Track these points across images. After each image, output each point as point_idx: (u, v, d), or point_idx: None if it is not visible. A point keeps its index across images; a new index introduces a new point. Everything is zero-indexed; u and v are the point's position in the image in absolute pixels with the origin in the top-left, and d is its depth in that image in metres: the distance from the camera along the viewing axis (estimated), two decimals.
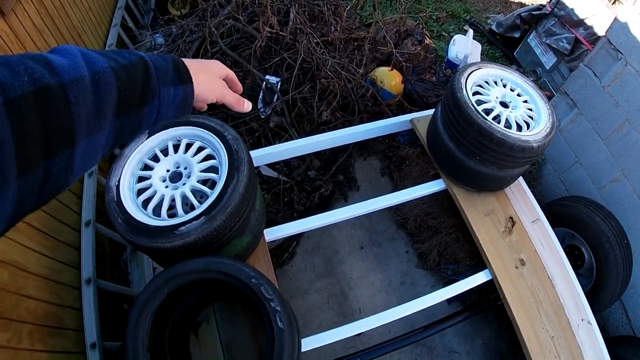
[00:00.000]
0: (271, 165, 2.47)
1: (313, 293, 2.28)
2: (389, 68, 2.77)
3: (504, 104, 1.78)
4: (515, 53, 3.63)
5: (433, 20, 3.91)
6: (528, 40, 3.49)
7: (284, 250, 2.36)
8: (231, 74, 0.74)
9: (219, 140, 1.34)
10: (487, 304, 1.96)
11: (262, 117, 2.61)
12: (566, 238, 2.16)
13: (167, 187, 1.31)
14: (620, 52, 1.98)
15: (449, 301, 2.26)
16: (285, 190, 2.41)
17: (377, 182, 2.64)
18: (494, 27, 3.82)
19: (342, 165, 2.58)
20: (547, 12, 3.25)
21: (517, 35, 3.63)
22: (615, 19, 1.99)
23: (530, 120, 1.73)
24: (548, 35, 3.27)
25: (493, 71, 1.86)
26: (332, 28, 2.68)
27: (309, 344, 1.54)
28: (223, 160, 1.31)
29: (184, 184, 1.31)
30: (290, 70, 2.57)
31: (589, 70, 2.19)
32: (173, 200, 1.28)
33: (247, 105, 0.77)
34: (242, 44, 2.69)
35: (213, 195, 1.24)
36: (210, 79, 0.67)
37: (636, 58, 1.92)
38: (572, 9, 3.01)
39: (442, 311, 2.18)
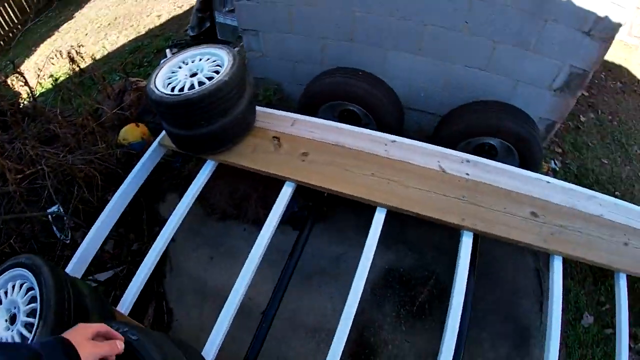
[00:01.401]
0: None
1: None
2: (132, 125, 2.78)
3: (195, 74, 1.94)
4: (219, 37, 3.98)
5: (135, 65, 4.07)
6: (217, 21, 3.86)
7: None
8: (98, 328, 0.85)
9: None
10: (317, 204, 2.06)
11: (68, 242, 2.38)
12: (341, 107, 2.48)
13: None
14: None
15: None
16: None
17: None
18: (191, 34, 4.13)
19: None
20: None
21: (208, 24, 3.98)
22: None
23: (219, 68, 1.91)
24: (224, 5, 3.68)
25: (174, 60, 2.04)
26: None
27: None
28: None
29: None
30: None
31: None
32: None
33: (120, 345, 0.87)
34: None
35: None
36: (86, 348, 0.77)
37: None
38: None
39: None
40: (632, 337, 2.11)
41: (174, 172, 2.54)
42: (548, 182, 1.97)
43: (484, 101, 2.31)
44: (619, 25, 1.96)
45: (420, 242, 2.20)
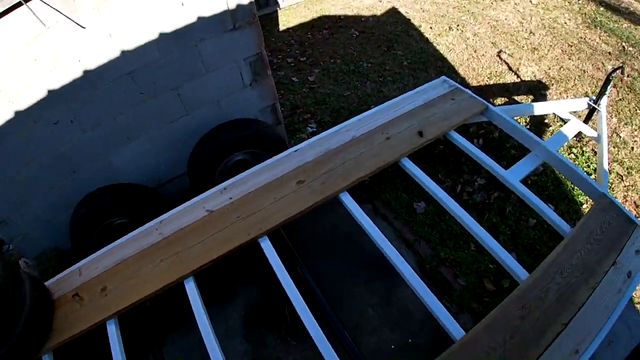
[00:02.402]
0: None
1: None
2: None
3: None
4: None
5: None
6: None
7: None
8: None
9: None
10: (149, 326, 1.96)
11: None
12: None
13: None
14: None
15: None
16: None
17: None
18: None
19: None
20: None
21: None
22: None
23: None
24: None
25: None
26: None
27: None
28: None
29: None
30: None
31: None
32: None
33: None
34: None
35: None
36: None
37: None
38: None
39: None
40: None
41: None
42: (296, 150, 2.26)
43: (209, 131, 2.48)
44: (251, 3, 2.29)
45: (253, 274, 2.29)
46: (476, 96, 2.61)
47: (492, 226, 2.66)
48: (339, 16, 5.32)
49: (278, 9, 5.90)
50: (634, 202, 2.86)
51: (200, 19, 2.22)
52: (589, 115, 3.09)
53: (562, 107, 3.00)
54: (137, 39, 2.12)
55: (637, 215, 2.77)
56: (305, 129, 3.47)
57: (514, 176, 2.20)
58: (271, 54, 4.67)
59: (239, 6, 2.27)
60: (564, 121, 3.04)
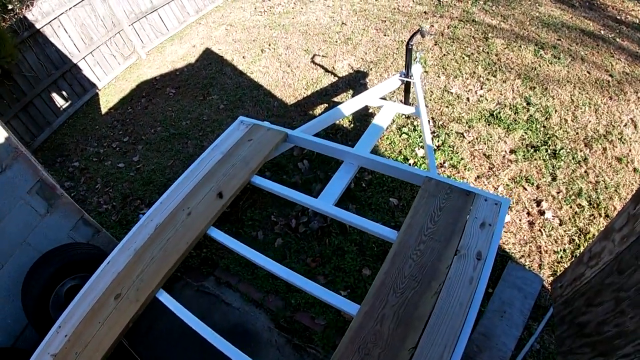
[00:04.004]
0: None
1: None
2: None
3: None
4: None
5: None
6: None
7: None
8: None
9: None
10: None
11: None
12: None
13: None
14: None
15: None
16: None
17: None
18: None
19: None
20: None
21: None
22: None
23: None
24: None
25: None
26: None
27: None
28: None
29: None
30: None
31: None
32: None
33: None
34: None
35: None
36: None
37: None
38: None
39: None
40: None
41: None
42: (108, 262, 1.90)
43: (27, 274, 2.27)
44: (8, 139, 2.03)
45: None
46: (274, 126, 2.35)
47: (337, 248, 2.43)
48: (155, 77, 4.87)
49: (97, 90, 5.30)
50: (484, 154, 2.78)
51: None
52: (407, 89, 2.98)
53: (373, 95, 2.82)
54: None
55: (491, 167, 2.70)
56: (138, 218, 2.98)
57: (326, 202, 1.95)
58: (97, 144, 4.08)
59: None
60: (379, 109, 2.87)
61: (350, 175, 2.14)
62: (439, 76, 3.53)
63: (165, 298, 1.73)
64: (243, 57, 4.45)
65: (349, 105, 2.71)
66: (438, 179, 1.85)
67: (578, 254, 2.20)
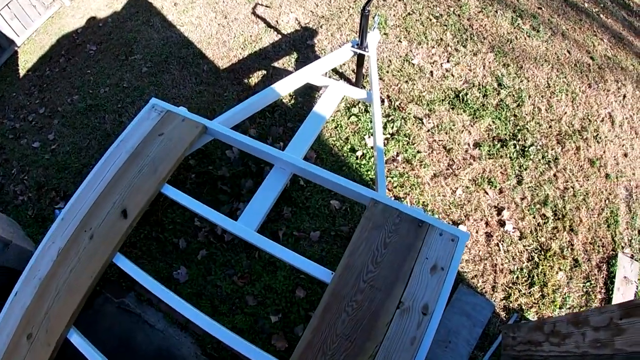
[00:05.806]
0: None
1: None
2: None
3: None
4: None
5: None
6: None
7: None
8: None
9: None
10: None
11: None
12: None
13: None
14: None
15: None
16: None
17: None
18: None
19: None
20: None
21: None
22: None
23: None
24: None
25: None
26: None
27: None
28: None
29: None
30: None
31: None
32: None
33: None
34: None
35: None
36: None
37: None
38: None
39: None
40: None
41: None
42: (15, 294, 1.60)
43: None
44: None
45: None
46: (191, 116, 1.86)
47: (268, 263, 2.13)
48: (77, 30, 3.99)
49: (16, 48, 4.30)
50: (444, 147, 2.40)
51: None
52: (360, 63, 2.47)
53: (318, 70, 2.29)
54: None
55: (450, 163, 2.35)
56: (54, 214, 2.46)
57: (247, 227, 1.56)
58: (14, 116, 3.33)
59: None
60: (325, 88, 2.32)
61: (280, 185, 1.73)
62: (400, 41, 3.00)
63: (76, 339, 1.50)
64: (174, 5, 3.66)
65: (286, 84, 2.17)
66: (386, 203, 1.49)
67: (536, 277, 1.97)
